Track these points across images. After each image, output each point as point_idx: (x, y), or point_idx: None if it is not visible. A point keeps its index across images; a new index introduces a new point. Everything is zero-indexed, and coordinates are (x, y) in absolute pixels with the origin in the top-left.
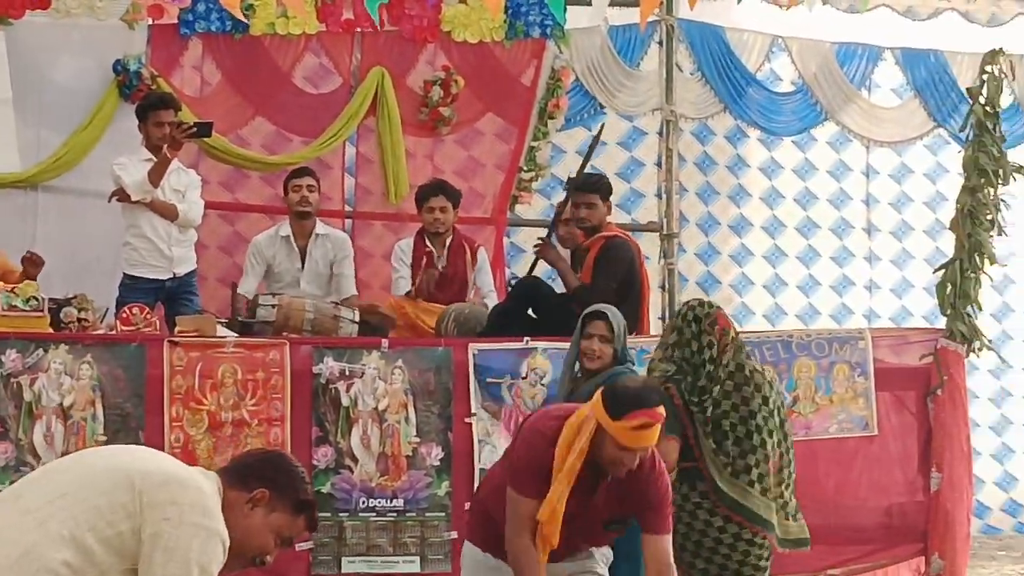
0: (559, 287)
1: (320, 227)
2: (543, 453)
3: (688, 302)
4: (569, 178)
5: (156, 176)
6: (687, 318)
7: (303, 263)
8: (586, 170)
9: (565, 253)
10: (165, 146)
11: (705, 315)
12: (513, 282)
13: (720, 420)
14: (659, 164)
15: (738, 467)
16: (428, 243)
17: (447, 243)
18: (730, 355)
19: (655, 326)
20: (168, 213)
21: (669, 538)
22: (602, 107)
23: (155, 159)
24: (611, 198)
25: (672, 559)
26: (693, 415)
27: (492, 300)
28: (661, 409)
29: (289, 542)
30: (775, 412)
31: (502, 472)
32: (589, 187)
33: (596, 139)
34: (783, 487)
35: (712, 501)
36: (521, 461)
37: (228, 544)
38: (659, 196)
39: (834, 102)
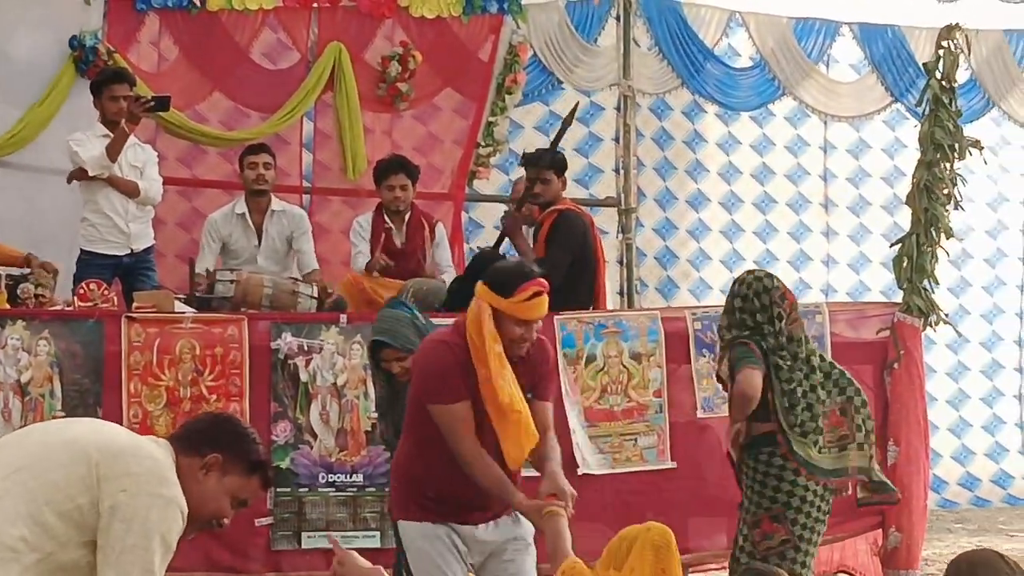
0: None
1: (276, 203)
2: (446, 358)
3: (754, 272)
4: (524, 154)
5: (114, 151)
6: (756, 288)
7: (260, 240)
8: (539, 147)
9: (529, 233)
10: (123, 120)
11: (775, 287)
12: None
13: (790, 381)
14: (617, 139)
15: (807, 428)
16: (387, 219)
17: (406, 219)
18: (793, 324)
19: (612, 300)
20: (129, 190)
21: (552, 404)
22: (560, 82)
23: (111, 135)
24: (568, 173)
25: (551, 422)
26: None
27: (450, 276)
28: (546, 280)
29: (245, 504)
30: (829, 375)
31: (413, 422)
32: (542, 163)
33: (570, 117)
34: (853, 441)
35: (792, 461)
36: (431, 375)
37: (186, 511)
38: (617, 171)
39: (792, 77)
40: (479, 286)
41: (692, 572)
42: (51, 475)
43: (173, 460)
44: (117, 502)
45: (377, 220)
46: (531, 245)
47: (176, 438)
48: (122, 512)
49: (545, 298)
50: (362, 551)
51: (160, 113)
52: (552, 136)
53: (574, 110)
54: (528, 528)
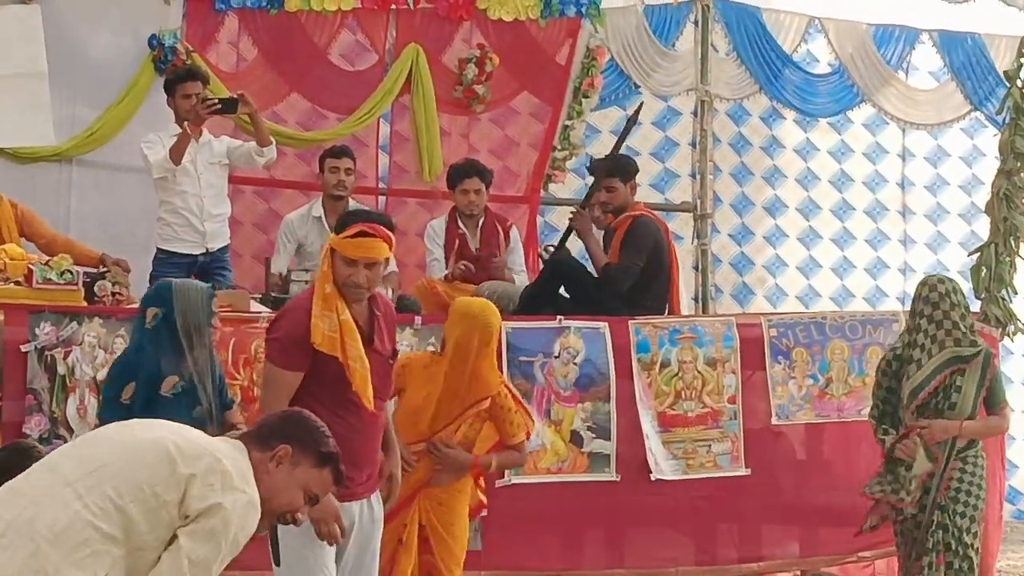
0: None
1: (353, 206)
2: (293, 322)
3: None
4: (592, 160)
5: (176, 153)
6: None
7: None
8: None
9: (599, 235)
10: (186, 122)
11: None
12: (545, 251)
13: None
14: (693, 144)
15: None
16: (461, 225)
17: (480, 224)
18: None
19: (687, 306)
20: (262, 137)
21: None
22: (637, 87)
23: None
24: (644, 178)
25: None
26: None
27: (523, 279)
28: (384, 229)
29: (316, 500)
30: None
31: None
32: (607, 170)
33: (632, 120)
34: None
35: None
36: (272, 339)
37: (260, 510)
38: (693, 176)
39: (870, 84)
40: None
41: None
42: (135, 474)
43: (247, 458)
44: (203, 494)
45: (451, 226)
46: (604, 249)
47: (247, 436)
48: (207, 503)
49: (375, 242)
50: None
51: (228, 115)
52: (616, 139)
53: (637, 110)
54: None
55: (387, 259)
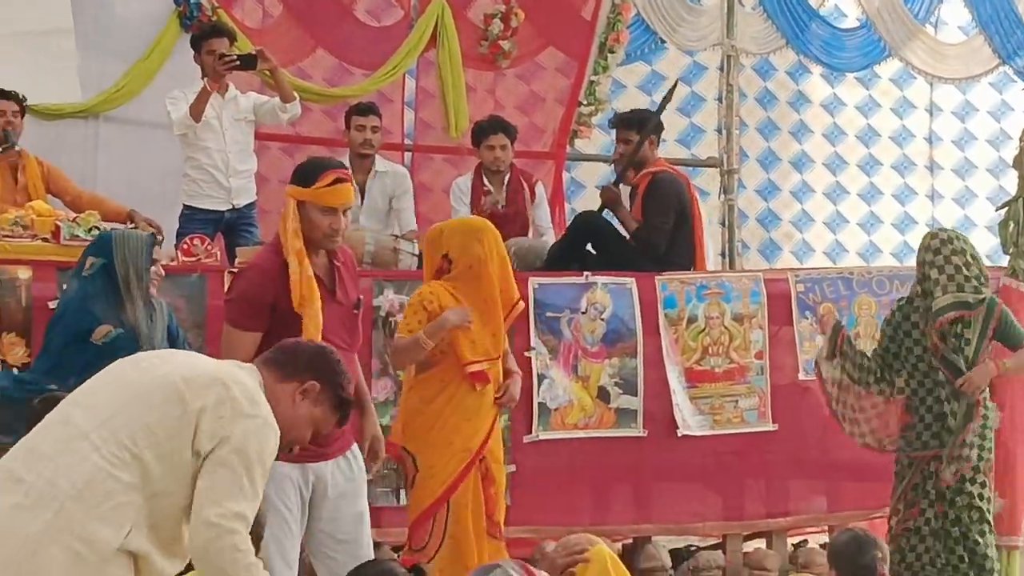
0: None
1: (380, 163)
2: (252, 282)
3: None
4: (614, 115)
5: (196, 110)
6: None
7: (362, 199)
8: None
9: (626, 192)
10: (206, 78)
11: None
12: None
13: None
14: (719, 99)
15: None
16: (486, 181)
17: (505, 180)
18: None
19: (713, 262)
20: (285, 92)
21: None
22: (663, 41)
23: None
24: (670, 134)
25: None
26: None
27: (550, 236)
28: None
29: (318, 437)
30: None
31: None
32: (624, 123)
33: (668, 96)
34: None
35: None
36: (231, 299)
37: (279, 432)
38: (719, 132)
39: (897, 38)
40: (287, 188)
41: (791, 535)
42: (146, 418)
43: (260, 383)
44: (214, 428)
45: (476, 183)
46: (629, 208)
47: (270, 361)
48: (221, 434)
49: (348, 186)
50: None
51: (247, 70)
52: (658, 103)
53: (672, 90)
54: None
55: None
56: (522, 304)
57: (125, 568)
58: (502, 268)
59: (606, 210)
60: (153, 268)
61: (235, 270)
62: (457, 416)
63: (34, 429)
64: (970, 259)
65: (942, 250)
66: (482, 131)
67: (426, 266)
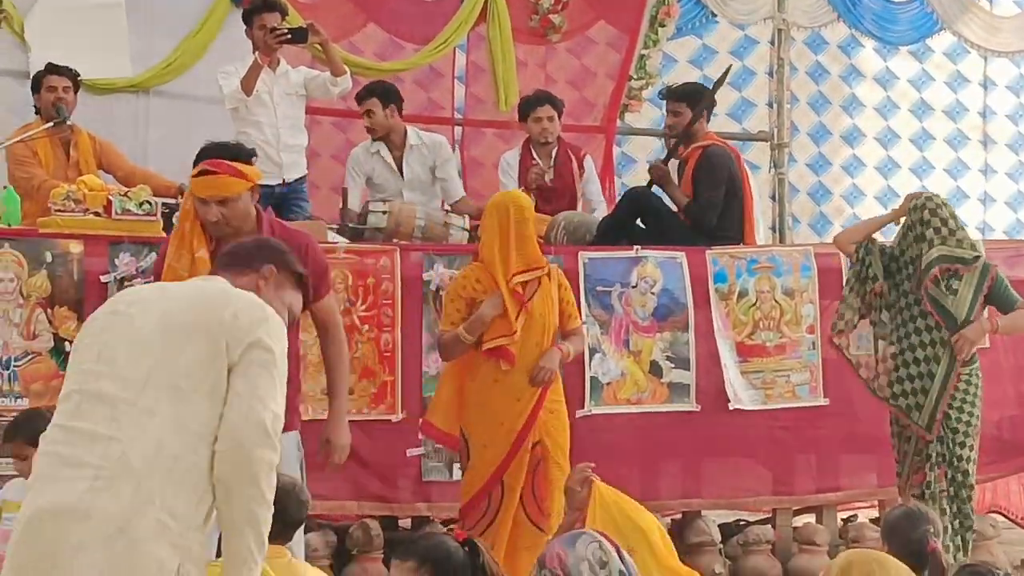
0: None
1: (412, 136)
2: (159, 261)
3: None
4: (664, 87)
5: (248, 84)
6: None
7: (401, 174)
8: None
9: (675, 166)
10: (256, 52)
11: None
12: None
13: None
14: (770, 73)
15: None
16: (534, 155)
17: (553, 154)
18: None
19: (764, 235)
20: (336, 67)
21: (329, 301)
22: (714, 15)
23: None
24: (721, 108)
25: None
26: None
27: (600, 209)
28: (230, 164)
29: (293, 320)
30: None
31: None
32: (675, 95)
33: (722, 79)
34: None
35: None
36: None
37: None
38: (770, 105)
39: (951, 11)
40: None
41: (841, 510)
42: (179, 361)
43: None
44: (240, 336)
45: (524, 156)
46: (677, 182)
47: (225, 265)
48: (248, 340)
49: (219, 179)
50: None
51: (298, 44)
52: (710, 79)
53: (725, 73)
54: None
55: (252, 190)
56: (545, 269)
57: (206, 533)
58: (522, 228)
59: (655, 186)
60: None
61: None
62: (506, 396)
63: (65, 412)
64: (960, 225)
65: (938, 212)
66: (529, 104)
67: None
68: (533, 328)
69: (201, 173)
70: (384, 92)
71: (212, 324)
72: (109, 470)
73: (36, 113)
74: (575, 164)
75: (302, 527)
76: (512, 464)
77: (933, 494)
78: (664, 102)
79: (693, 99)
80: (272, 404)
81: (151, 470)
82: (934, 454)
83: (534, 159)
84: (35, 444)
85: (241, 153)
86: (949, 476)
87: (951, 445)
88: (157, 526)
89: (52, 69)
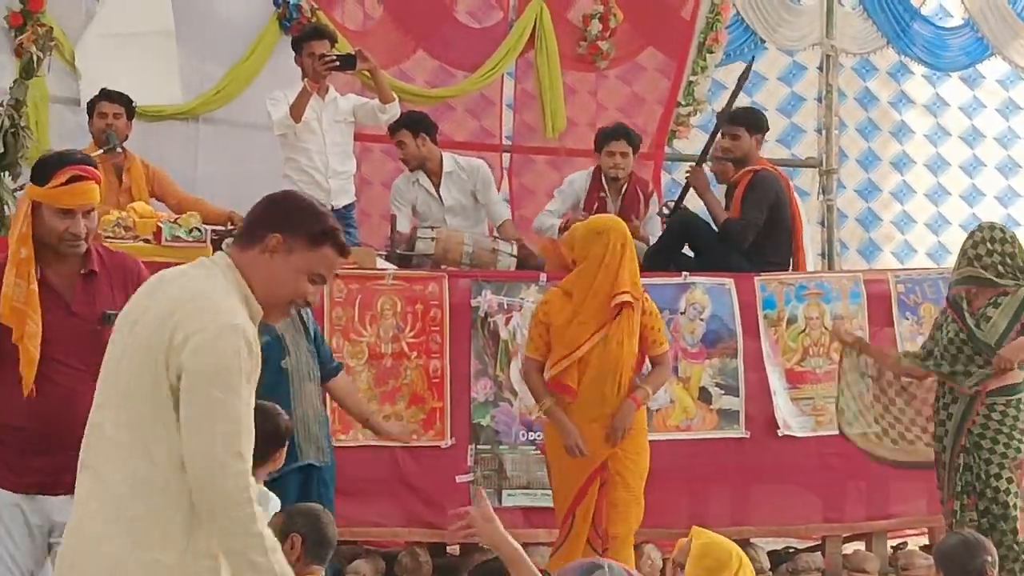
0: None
1: (448, 163)
2: None
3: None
4: (718, 111)
5: (296, 111)
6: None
7: (441, 201)
8: (743, 105)
9: (720, 189)
10: (306, 79)
11: None
12: (665, 208)
13: None
14: (819, 99)
15: None
16: (604, 188)
17: (622, 190)
18: None
19: (812, 262)
20: (384, 93)
21: None
22: (762, 41)
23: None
24: (770, 134)
25: None
26: None
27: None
28: (94, 170)
29: (324, 279)
30: None
31: None
32: (734, 118)
33: (744, 75)
34: None
35: None
36: None
37: (239, 323)
38: (819, 132)
39: (1001, 37)
40: (26, 186)
41: (891, 537)
42: (133, 390)
43: (230, 264)
44: (171, 360)
45: (594, 185)
46: (723, 204)
47: (237, 235)
48: (177, 366)
49: (89, 185)
50: None
51: (347, 71)
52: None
53: (748, 67)
54: None
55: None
56: (627, 296)
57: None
58: (624, 263)
59: (691, 211)
60: None
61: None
62: (583, 420)
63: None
64: (1012, 254)
65: (985, 243)
66: (605, 137)
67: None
68: (608, 355)
69: (73, 179)
70: (413, 122)
71: (156, 343)
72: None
73: (93, 139)
74: (642, 200)
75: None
76: (587, 493)
77: (961, 522)
78: (717, 126)
79: (752, 124)
80: (213, 428)
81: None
82: (963, 483)
83: (602, 191)
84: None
85: (91, 160)
86: (981, 508)
87: (984, 476)
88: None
89: (105, 95)
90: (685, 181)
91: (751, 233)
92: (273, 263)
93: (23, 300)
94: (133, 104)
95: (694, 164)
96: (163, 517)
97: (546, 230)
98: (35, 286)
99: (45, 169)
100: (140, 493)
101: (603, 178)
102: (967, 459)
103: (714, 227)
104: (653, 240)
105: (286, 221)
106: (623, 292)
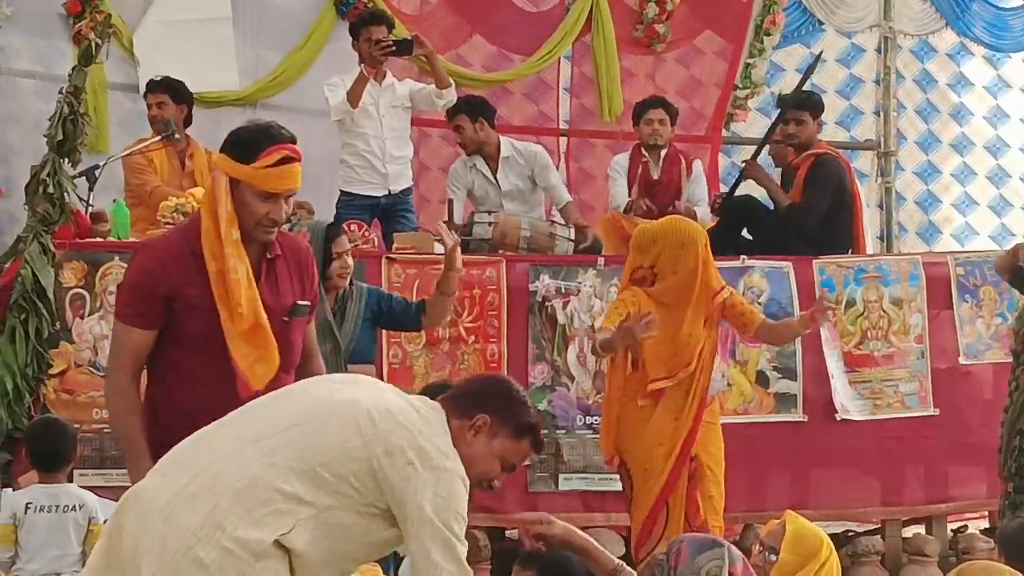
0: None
1: (505, 148)
2: (144, 267)
3: None
4: (781, 95)
5: (354, 96)
6: None
7: (499, 187)
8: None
9: (776, 172)
10: (362, 64)
11: None
12: (716, 201)
13: None
14: (877, 81)
15: None
16: (644, 154)
17: (662, 155)
18: None
19: (871, 244)
20: (441, 77)
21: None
22: (820, 23)
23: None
24: (829, 116)
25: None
26: None
27: (703, 210)
28: (296, 145)
29: (513, 467)
30: None
31: None
32: (799, 103)
33: (816, 60)
34: None
35: None
36: (122, 287)
37: (467, 481)
38: (877, 114)
39: None
40: (217, 157)
41: (951, 521)
42: (325, 437)
43: (446, 424)
44: (406, 475)
45: (635, 156)
46: (780, 184)
47: (448, 400)
48: (412, 485)
49: (297, 167)
50: (620, 494)
51: (403, 56)
52: (801, 76)
53: (815, 63)
54: None
55: None
56: (722, 296)
57: (279, 563)
58: (708, 267)
59: (750, 195)
60: (337, 262)
61: (392, 256)
62: (666, 415)
63: (217, 422)
64: None
65: None
66: (642, 107)
67: (627, 266)
68: (704, 358)
69: (284, 160)
70: (471, 107)
71: (376, 445)
72: (200, 484)
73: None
74: (683, 164)
75: None
76: (676, 485)
77: (1014, 504)
78: (773, 111)
79: (816, 108)
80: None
81: (235, 499)
82: (1017, 465)
83: (644, 156)
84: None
85: (294, 139)
86: None
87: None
88: (220, 551)
89: (149, 86)
90: (739, 174)
91: (815, 217)
92: (475, 443)
93: (248, 283)
94: (182, 87)
95: (749, 159)
96: (257, 525)
97: (619, 199)
98: (248, 262)
99: (251, 145)
100: (245, 506)
101: (643, 148)
102: (1021, 441)
103: (773, 210)
104: (700, 204)
105: (497, 406)
106: (720, 291)
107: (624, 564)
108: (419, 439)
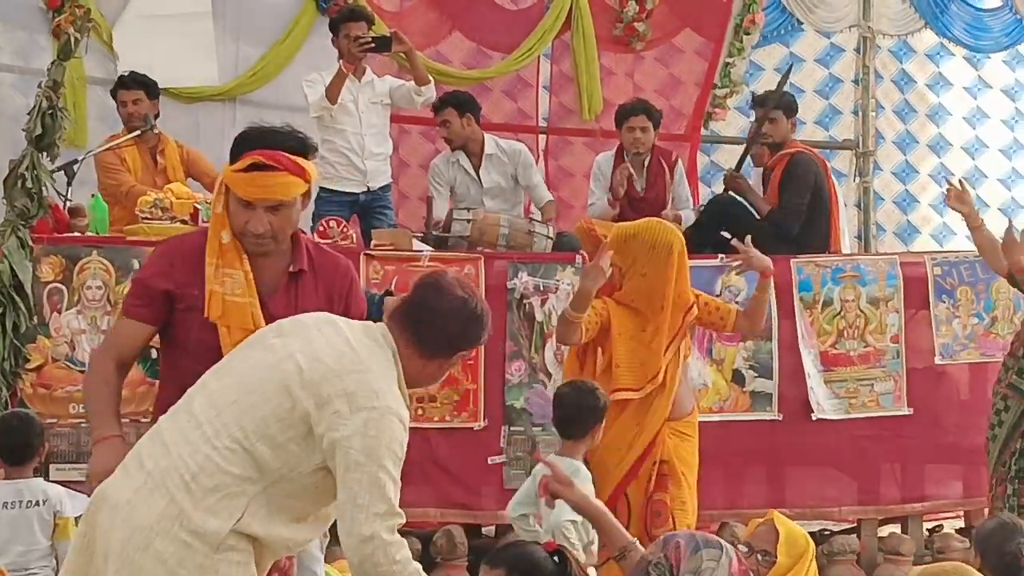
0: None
1: (489, 145)
2: (158, 266)
3: None
4: (755, 95)
5: (332, 92)
6: None
7: (481, 183)
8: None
9: (757, 173)
10: (342, 61)
11: None
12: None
13: None
14: (856, 81)
15: None
16: (627, 161)
17: (646, 164)
18: None
19: (849, 244)
20: (420, 76)
21: None
22: (799, 23)
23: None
24: (808, 115)
25: None
26: None
27: (688, 213)
28: (289, 158)
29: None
30: None
31: None
32: (770, 102)
33: (789, 69)
34: None
35: None
36: (136, 273)
37: (404, 415)
38: (855, 113)
39: None
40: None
41: (926, 520)
42: (261, 411)
43: (388, 353)
44: (332, 425)
45: (617, 162)
46: (763, 188)
47: (399, 319)
48: (340, 433)
49: (276, 176)
50: None
51: (382, 52)
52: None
53: (788, 71)
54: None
55: (304, 195)
56: (696, 310)
57: (241, 552)
58: (683, 271)
59: (731, 194)
60: None
61: (371, 252)
62: (630, 422)
63: (171, 410)
64: None
65: None
66: (624, 113)
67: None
68: (673, 366)
69: (253, 166)
70: (460, 102)
71: (306, 400)
72: (154, 479)
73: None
74: (667, 173)
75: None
76: (633, 482)
77: (1013, 507)
78: (751, 110)
79: (788, 107)
80: (373, 507)
81: (187, 489)
82: (1017, 468)
83: (626, 163)
84: None
85: (306, 145)
86: None
87: None
88: (178, 544)
89: (120, 83)
90: (724, 187)
91: (796, 220)
92: (429, 366)
93: (240, 291)
94: (154, 83)
95: (732, 170)
96: (212, 512)
97: (595, 213)
98: (248, 268)
99: (237, 146)
100: (197, 496)
101: (625, 155)
102: (1022, 444)
103: (752, 211)
104: (682, 203)
105: (460, 343)
106: (692, 306)
107: (637, 543)
108: (346, 382)
